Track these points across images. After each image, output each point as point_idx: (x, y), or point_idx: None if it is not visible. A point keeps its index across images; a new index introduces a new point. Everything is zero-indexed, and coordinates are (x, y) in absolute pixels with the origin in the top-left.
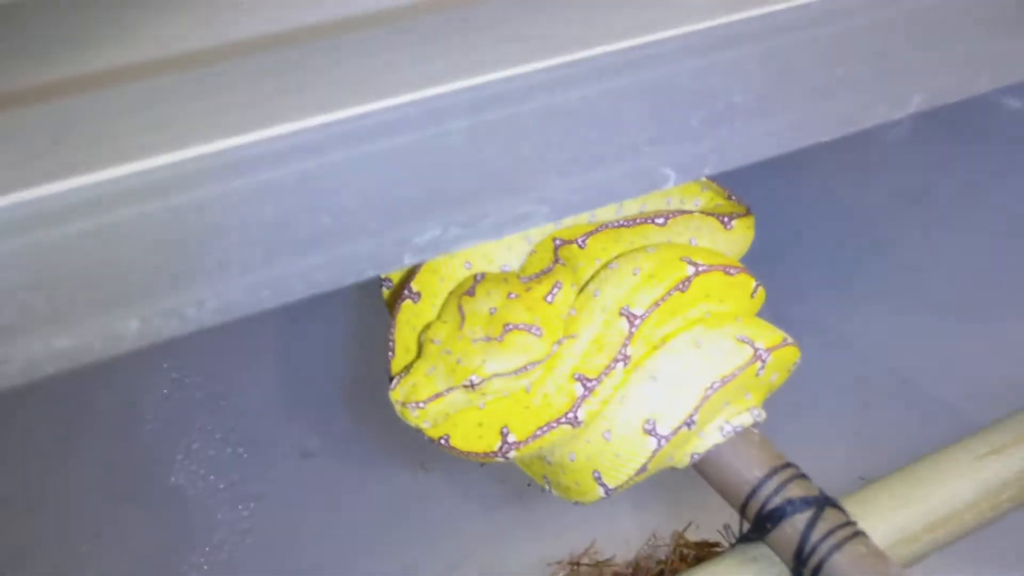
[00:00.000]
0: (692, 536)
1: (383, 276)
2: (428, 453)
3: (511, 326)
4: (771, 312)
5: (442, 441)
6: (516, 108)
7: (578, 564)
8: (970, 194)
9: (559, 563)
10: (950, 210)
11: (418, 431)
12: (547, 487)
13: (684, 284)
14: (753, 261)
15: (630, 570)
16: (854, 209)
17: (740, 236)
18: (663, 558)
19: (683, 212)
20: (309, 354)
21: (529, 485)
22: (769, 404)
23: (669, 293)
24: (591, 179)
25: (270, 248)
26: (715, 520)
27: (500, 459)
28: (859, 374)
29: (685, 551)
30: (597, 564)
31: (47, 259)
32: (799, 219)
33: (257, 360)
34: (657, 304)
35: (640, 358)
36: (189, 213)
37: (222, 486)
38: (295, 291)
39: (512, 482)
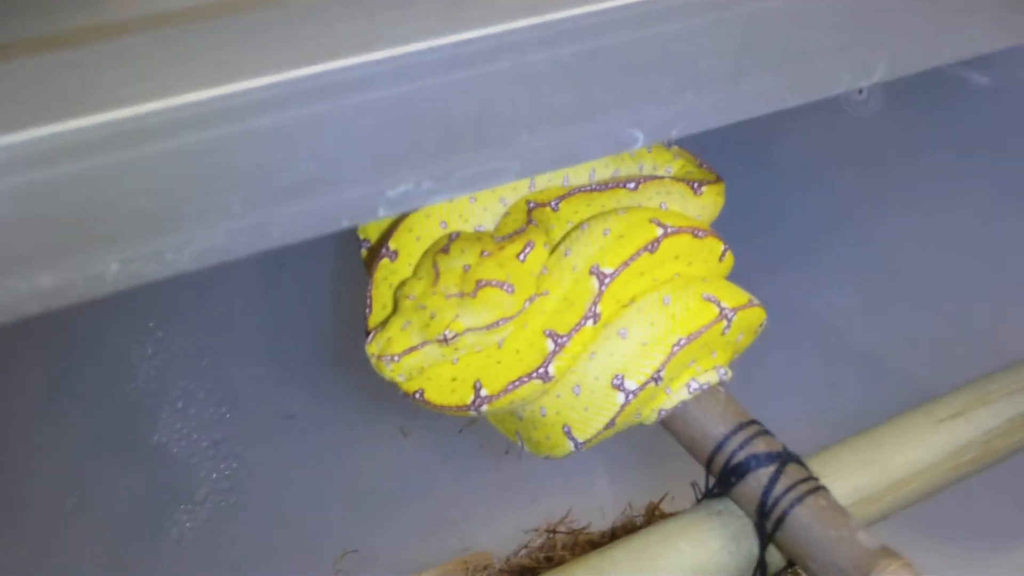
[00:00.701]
0: (668, 508)
1: (361, 236)
2: (408, 417)
3: (484, 282)
4: (739, 284)
5: (416, 395)
6: (488, 67)
7: (554, 531)
8: (937, 171)
9: (536, 530)
10: (917, 186)
11: (393, 385)
12: (519, 443)
13: (653, 245)
14: (724, 234)
15: (605, 539)
16: (823, 184)
17: (710, 202)
18: (639, 527)
19: (655, 178)
20: (292, 317)
21: (507, 452)
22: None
23: (638, 253)
24: (561, 137)
25: (248, 195)
26: (690, 493)
27: (473, 412)
28: (825, 349)
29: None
30: (573, 532)
31: (33, 200)
32: (769, 194)
33: (241, 321)
34: (626, 264)
35: (609, 316)
36: (171, 159)
37: (205, 445)
38: (272, 238)
39: (490, 449)
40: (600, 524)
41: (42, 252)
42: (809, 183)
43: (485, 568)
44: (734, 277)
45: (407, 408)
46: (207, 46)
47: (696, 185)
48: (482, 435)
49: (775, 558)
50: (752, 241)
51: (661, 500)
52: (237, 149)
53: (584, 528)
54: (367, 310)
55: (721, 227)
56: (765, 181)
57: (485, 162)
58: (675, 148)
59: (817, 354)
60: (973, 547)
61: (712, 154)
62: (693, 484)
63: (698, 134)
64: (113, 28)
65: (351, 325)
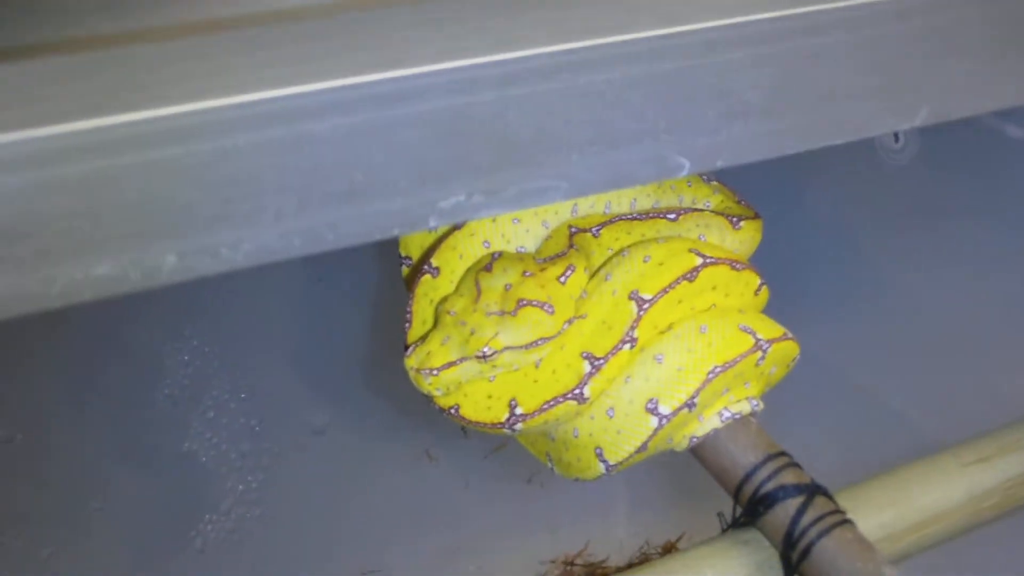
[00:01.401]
0: (684, 547)
1: (403, 254)
2: (434, 441)
3: (524, 302)
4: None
5: (452, 411)
6: (542, 85)
7: (572, 564)
8: (966, 224)
9: (553, 562)
10: (945, 239)
11: (429, 399)
12: (549, 464)
13: (692, 274)
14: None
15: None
16: (853, 233)
17: (748, 237)
18: None
19: (695, 210)
20: (327, 332)
21: (529, 481)
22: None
23: (677, 281)
24: (609, 160)
25: (304, 198)
26: (708, 533)
27: (507, 431)
28: (841, 394)
29: None
30: (590, 565)
31: (96, 188)
32: (799, 238)
33: (276, 334)
34: (665, 291)
35: (646, 341)
36: (232, 157)
37: (233, 456)
38: (325, 241)
39: (513, 478)
40: (618, 559)
41: (101, 240)
42: (840, 230)
43: None
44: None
45: (435, 431)
46: (269, 49)
47: (735, 220)
48: (506, 463)
49: None
50: (777, 286)
51: (678, 539)
52: (292, 152)
53: (602, 562)
54: (407, 324)
55: (757, 261)
56: (796, 225)
57: (535, 179)
58: (715, 183)
59: (834, 401)
60: None
61: (746, 194)
62: (720, 515)
63: (734, 173)
64: (183, 28)
65: (385, 344)
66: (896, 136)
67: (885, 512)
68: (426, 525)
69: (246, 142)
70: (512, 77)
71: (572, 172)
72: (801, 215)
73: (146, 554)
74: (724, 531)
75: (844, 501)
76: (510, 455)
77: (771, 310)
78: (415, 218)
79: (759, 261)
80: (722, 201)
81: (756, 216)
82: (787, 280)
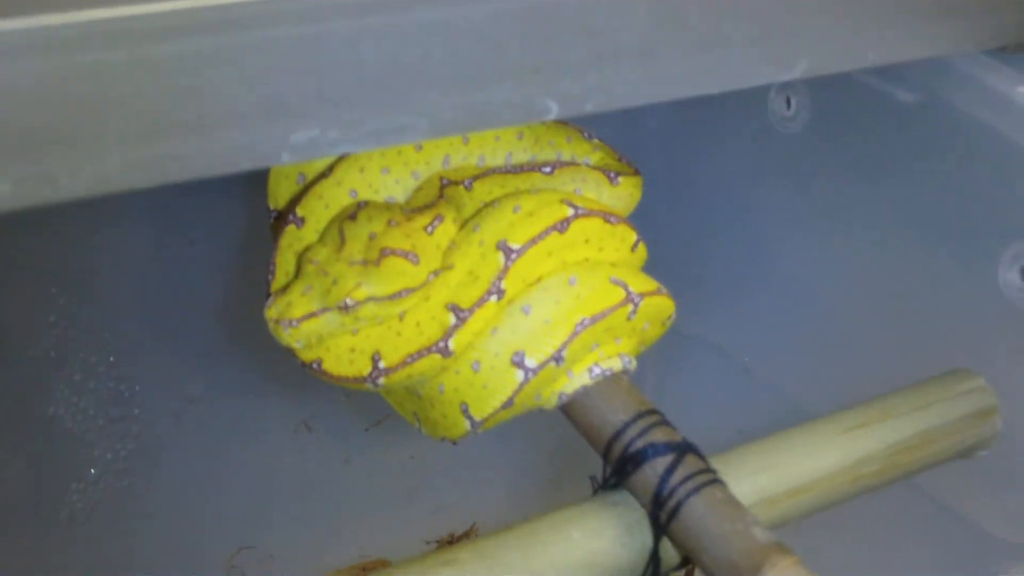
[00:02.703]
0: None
1: (271, 207)
2: (313, 411)
3: (388, 251)
4: None
5: (314, 365)
6: (399, 16)
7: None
8: (853, 191)
9: (438, 541)
10: (838, 205)
11: (291, 353)
12: (417, 424)
13: (563, 224)
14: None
15: None
16: (745, 201)
17: (626, 194)
18: None
19: (572, 164)
20: (201, 296)
21: (412, 457)
22: None
23: (547, 231)
24: (471, 99)
25: (149, 125)
26: None
27: (370, 385)
28: (725, 371)
29: None
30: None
31: None
32: (691, 207)
33: (149, 297)
34: (534, 241)
35: (514, 293)
36: (74, 77)
37: (101, 422)
38: (170, 172)
39: (395, 452)
40: None
41: None
42: (731, 200)
43: None
44: None
45: (313, 401)
46: None
47: (613, 175)
48: (388, 436)
49: (670, 554)
50: (668, 260)
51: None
52: (137, 76)
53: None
54: (270, 276)
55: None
56: (687, 196)
57: (393, 116)
58: (595, 141)
59: (731, 381)
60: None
61: (634, 162)
62: (592, 478)
63: (620, 143)
64: None
65: (260, 308)
66: (788, 103)
67: (760, 476)
68: (305, 500)
69: (89, 62)
70: (368, 7)
71: (431, 110)
72: (690, 185)
73: (5, 525)
74: (595, 493)
75: (719, 465)
76: (391, 429)
77: (656, 278)
78: (266, 152)
79: (646, 231)
80: (602, 158)
81: (636, 173)
82: (676, 250)
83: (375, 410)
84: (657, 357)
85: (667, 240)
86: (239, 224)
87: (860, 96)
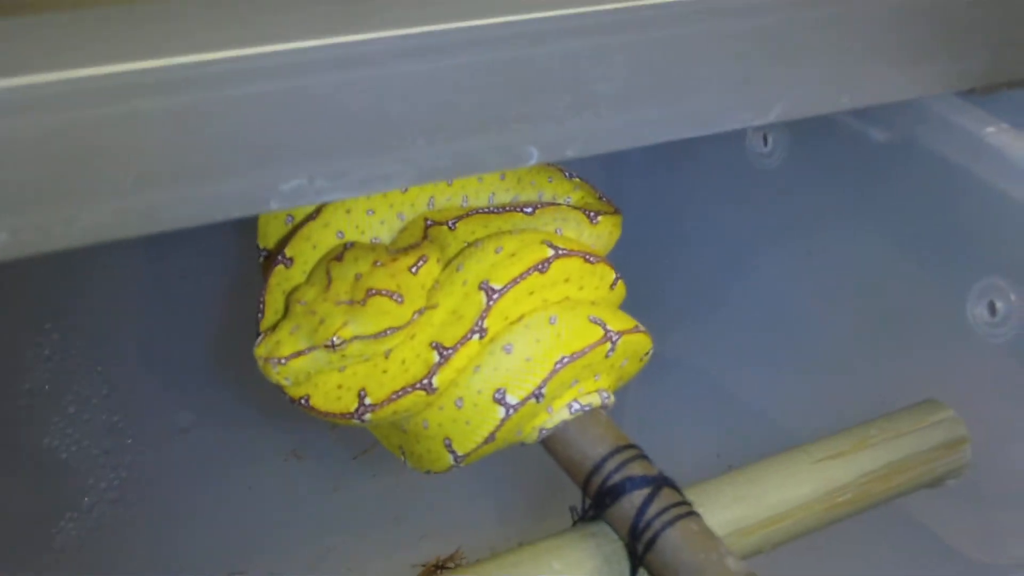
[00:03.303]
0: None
1: (261, 246)
2: (301, 441)
3: (374, 291)
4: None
5: (302, 401)
6: (383, 69)
7: (441, 567)
8: (832, 226)
9: (424, 566)
10: (812, 241)
11: (280, 389)
12: (403, 458)
13: (544, 265)
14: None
15: None
16: (723, 236)
17: (605, 232)
18: None
19: (552, 204)
20: (192, 329)
21: (399, 484)
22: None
23: (528, 271)
24: (457, 147)
25: (141, 176)
26: None
27: (356, 421)
28: (717, 403)
29: None
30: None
31: None
32: (668, 239)
33: (141, 331)
34: (515, 281)
35: (496, 332)
36: (68, 132)
37: (95, 452)
38: (162, 221)
39: (382, 479)
40: None
41: None
42: (709, 233)
43: None
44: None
45: (303, 432)
46: (105, 27)
47: (592, 215)
48: (376, 465)
49: None
50: (648, 290)
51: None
52: (129, 129)
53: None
54: (259, 314)
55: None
56: (666, 229)
57: (380, 164)
58: (576, 180)
59: (709, 407)
60: None
61: (612, 195)
62: (572, 508)
63: (601, 178)
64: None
65: (250, 341)
66: (765, 140)
67: (735, 507)
68: (294, 527)
69: (82, 117)
70: (355, 59)
71: (417, 157)
72: (669, 218)
73: (2, 552)
74: (574, 524)
75: (695, 496)
76: (378, 458)
77: (637, 310)
78: (256, 200)
79: (626, 262)
80: (582, 197)
81: (616, 212)
82: (652, 280)
83: (362, 440)
84: (638, 380)
85: (648, 267)
86: (230, 257)
87: (836, 134)
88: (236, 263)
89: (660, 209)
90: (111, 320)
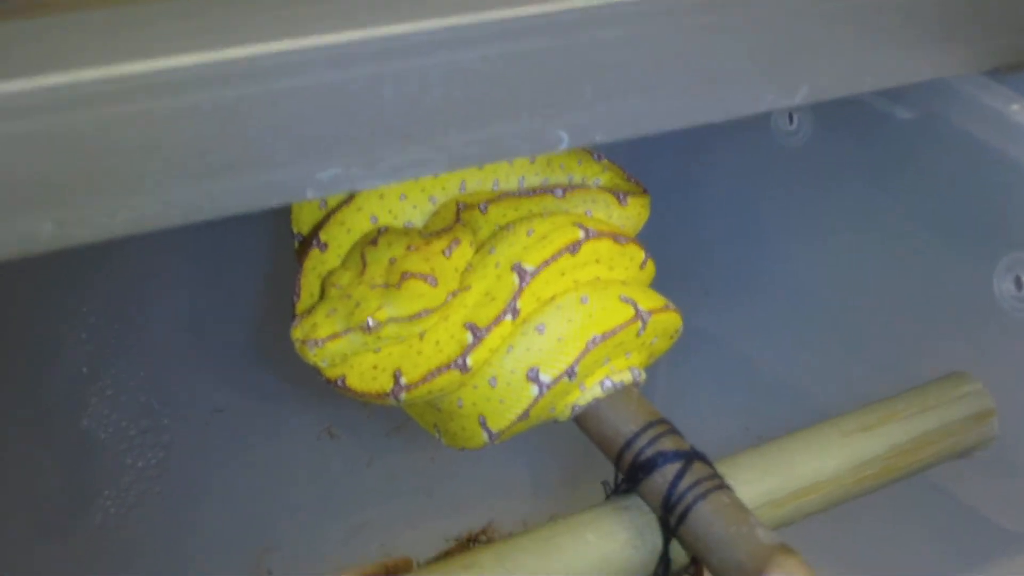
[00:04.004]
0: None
1: (295, 230)
2: (336, 419)
3: (408, 274)
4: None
5: (338, 382)
6: (419, 61)
7: (474, 540)
8: (859, 202)
9: (457, 539)
10: (839, 217)
11: (316, 370)
12: (437, 435)
13: (575, 247)
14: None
15: None
16: (750, 213)
17: (634, 213)
18: None
19: (582, 187)
20: (227, 312)
21: (433, 460)
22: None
23: (560, 253)
24: (489, 133)
25: (183, 168)
26: None
27: (392, 400)
28: (745, 377)
29: None
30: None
31: None
32: (697, 220)
33: (177, 314)
34: (547, 263)
35: (529, 312)
36: (112, 127)
37: (133, 433)
38: (203, 211)
39: (416, 455)
40: None
41: None
42: (736, 211)
43: (406, 572)
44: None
45: (336, 409)
46: (147, 24)
47: (622, 196)
48: (409, 440)
49: (679, 555)
50: (677, 268)
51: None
52: (173, 123)
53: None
54: (295, 297)
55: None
56: (694, 207)
57: (414, 152)
58: (604, 162)
59: (738, 382)
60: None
61: (642, 175)
62: (604, 483)
63: (629, 157)
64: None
65: (285, 323)
66: (790, 118)
67: (766, 479)
68: (328, 503)
69: (126, 112)
70: (389, 53)
71: (449, 145)
72: (697, 196)
73: (44, 529)
74: (607, 498)
75: (725, 469)
76: (412, 434)
77: (667, 287)
78: (293, 189)
79: (655, 240)
80: (611, 179)
81: (644, 192)
82: (684, 258)
83: (396, 416)
84: (668, 356)
85: (677, 246)
86: (265, 243)
87: (861, 113)
88: (272, 245)
89: (687, 188)
90: (146, 303)
